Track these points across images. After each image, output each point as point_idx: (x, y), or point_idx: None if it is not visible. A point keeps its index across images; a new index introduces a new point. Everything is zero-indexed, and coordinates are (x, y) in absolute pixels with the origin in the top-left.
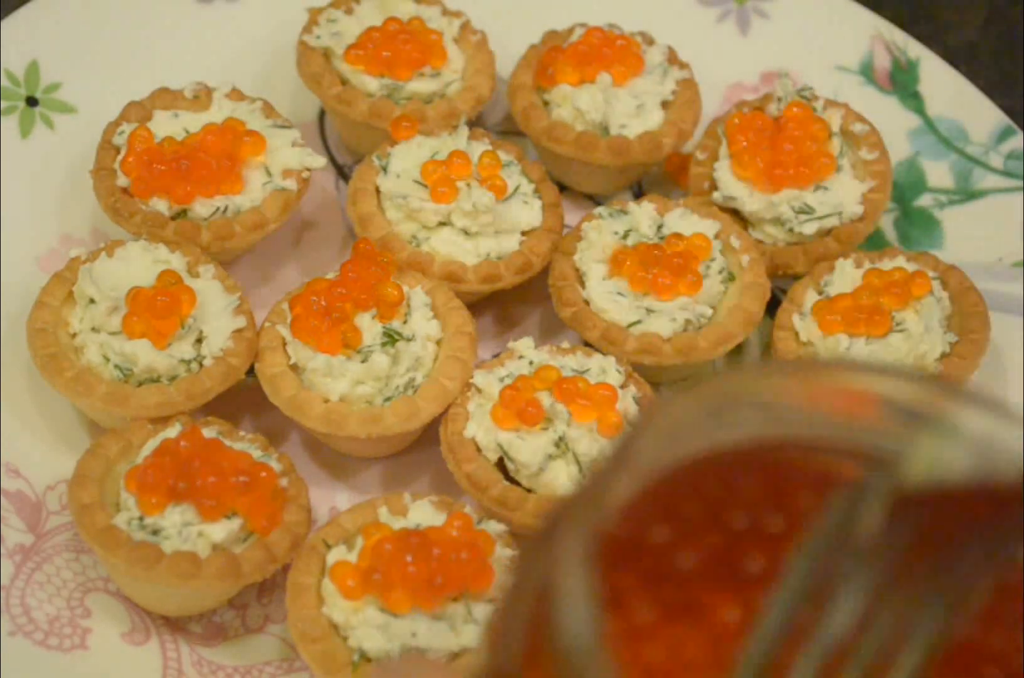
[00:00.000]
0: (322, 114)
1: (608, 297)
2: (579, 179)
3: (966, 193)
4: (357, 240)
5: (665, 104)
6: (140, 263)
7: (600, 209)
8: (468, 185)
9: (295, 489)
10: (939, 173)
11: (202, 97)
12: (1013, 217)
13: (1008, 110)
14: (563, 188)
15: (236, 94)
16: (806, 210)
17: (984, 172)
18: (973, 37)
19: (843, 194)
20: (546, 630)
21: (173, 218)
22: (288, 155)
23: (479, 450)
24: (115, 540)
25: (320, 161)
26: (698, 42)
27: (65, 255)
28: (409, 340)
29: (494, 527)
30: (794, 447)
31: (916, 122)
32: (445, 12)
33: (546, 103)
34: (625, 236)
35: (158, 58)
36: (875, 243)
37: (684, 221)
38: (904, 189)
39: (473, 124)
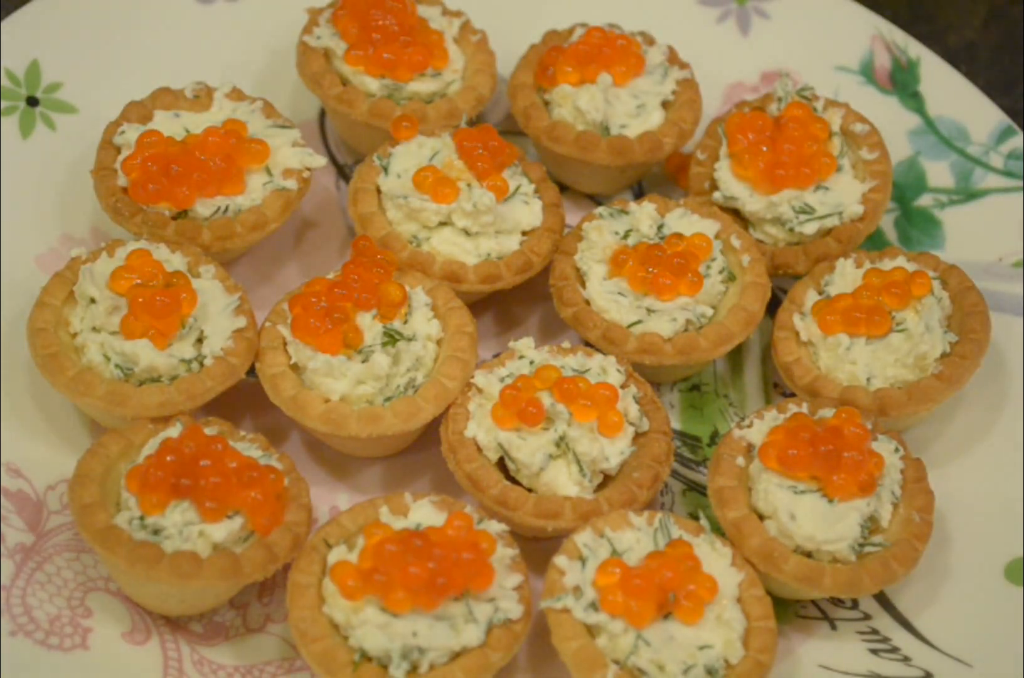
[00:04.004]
0: (322, 114)
1: (609, 297)
2: (579, 179)
3: (966, 193)
4: (356, 238)
5: (665, 104)
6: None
7: (600, 209)
8: (468, 185)
9: (296, 489)
10: (939, 173)
11: (203, 97)
12: (1013, 217)
13: (1008, 110)
14: (563, 188)
15: (236, 94)
16: (806, 210)
17: (984, 172)
18: (973, 37)
19: (843, 194)
20: None
21: (174, 218)
22: (288, 155)
23: (480, 450)
24: (116, 540)
25: (321, 161)
26: (698, 42)
27: (65, 255)
28: (410, 340)
29: (494, 527)
30: None
31: (916, 122)
32: (445, 12)
33: (547, 103)
34: (626, 236)
35: (158, 58)
36: (875, 243)
37: (684, 221)
38: (904, 189)
39: (474, 124)
